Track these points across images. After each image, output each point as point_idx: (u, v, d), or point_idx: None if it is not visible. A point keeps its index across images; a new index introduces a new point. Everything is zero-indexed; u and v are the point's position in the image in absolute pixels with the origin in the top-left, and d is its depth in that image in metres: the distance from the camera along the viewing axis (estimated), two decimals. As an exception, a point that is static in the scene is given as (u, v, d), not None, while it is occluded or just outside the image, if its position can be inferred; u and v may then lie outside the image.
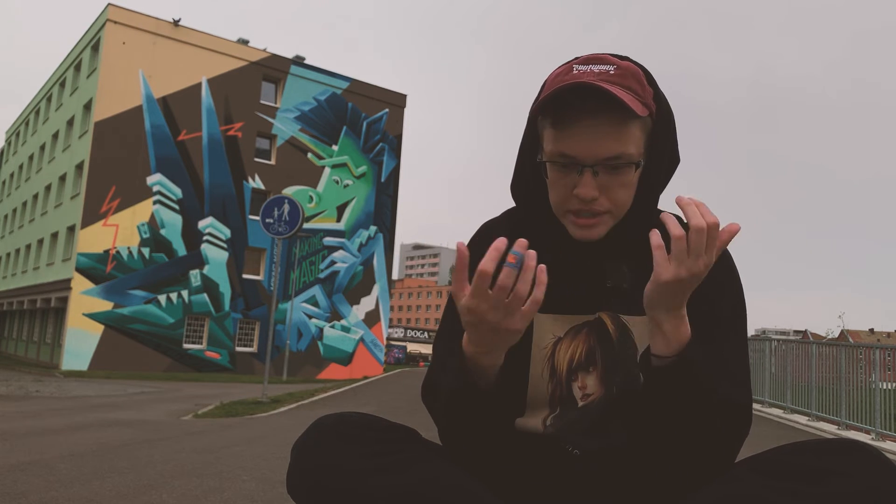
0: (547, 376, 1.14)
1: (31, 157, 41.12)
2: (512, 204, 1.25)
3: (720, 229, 0.95)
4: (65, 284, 29.17)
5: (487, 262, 0.93)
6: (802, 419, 10.13)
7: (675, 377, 0.99)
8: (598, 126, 1.04)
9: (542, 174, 1.12)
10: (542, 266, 0.94)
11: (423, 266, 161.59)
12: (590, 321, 1.15)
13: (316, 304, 33.98)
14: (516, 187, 1.21)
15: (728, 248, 1.15)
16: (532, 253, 0.94)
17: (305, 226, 29.56)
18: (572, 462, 1.11)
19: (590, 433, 1.12)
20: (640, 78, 1.08)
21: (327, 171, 34.89)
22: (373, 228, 36.25)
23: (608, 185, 1.06)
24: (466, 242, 1.24)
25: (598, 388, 1.13)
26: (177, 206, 30.49)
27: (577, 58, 1.11)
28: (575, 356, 1.14)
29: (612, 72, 1.06)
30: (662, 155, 1.12)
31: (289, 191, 31.34)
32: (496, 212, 1.30)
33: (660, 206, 1.18)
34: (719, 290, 1.12)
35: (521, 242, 0.93)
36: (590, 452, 1.11)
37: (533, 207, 1.17)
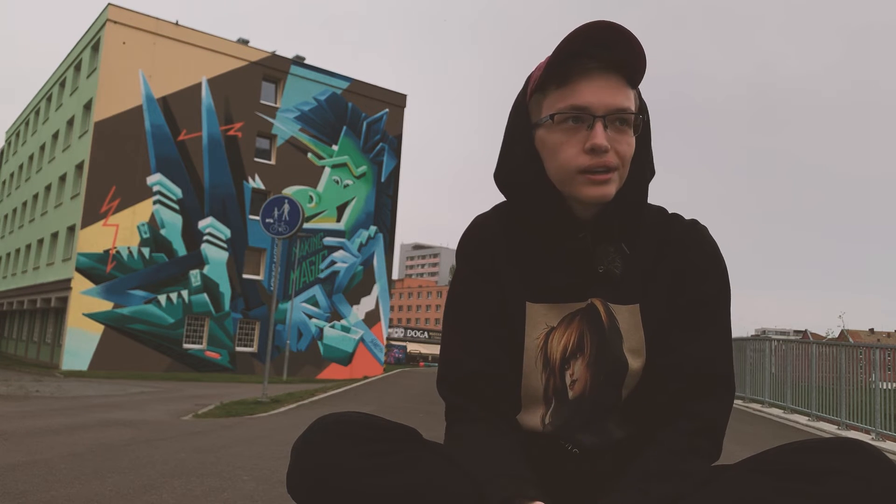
0: (540, 367, 1.14)
1: (31, 157, 41.13)
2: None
3: None
4: (65, 284, 29.17)
5: None
6: (802, 419, 10.13)
7: None
8: (609, 78, 1.08)
9: (535, 152, 1.13)
10: None
11: (423, 266, 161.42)
12: (582, 308, 1.15)
13: (316, 304, 33.99)
14: (502, 174, 1.19)
15: (723, 245, 1.20)
16: None
17: (305, 226, 29.57)
18: (572, 460, 1.11)
19: (587, 430, 1.12)
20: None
21: (327, 171, 34.90)
22: (373, 228, 36.26)
23: (616, 139, 1.09)
24: (460, 237, 1.23)
25: (584, 375, 1.13)
26: (177, 206, 30.50)
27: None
28: (569, 345, 1.14)
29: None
30: (646, 136, 1.15)
31: (289, 191, 31.34)
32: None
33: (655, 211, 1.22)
34: (702, 275, 1.15)
35: None
36: (588, 450, 1.11)
37: (524, 189, 1.15)
